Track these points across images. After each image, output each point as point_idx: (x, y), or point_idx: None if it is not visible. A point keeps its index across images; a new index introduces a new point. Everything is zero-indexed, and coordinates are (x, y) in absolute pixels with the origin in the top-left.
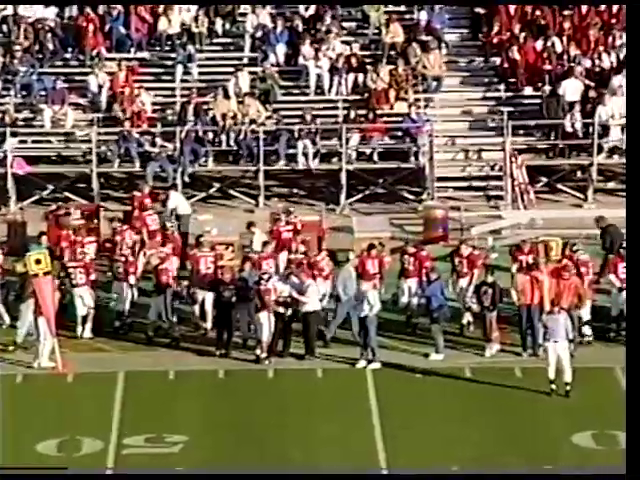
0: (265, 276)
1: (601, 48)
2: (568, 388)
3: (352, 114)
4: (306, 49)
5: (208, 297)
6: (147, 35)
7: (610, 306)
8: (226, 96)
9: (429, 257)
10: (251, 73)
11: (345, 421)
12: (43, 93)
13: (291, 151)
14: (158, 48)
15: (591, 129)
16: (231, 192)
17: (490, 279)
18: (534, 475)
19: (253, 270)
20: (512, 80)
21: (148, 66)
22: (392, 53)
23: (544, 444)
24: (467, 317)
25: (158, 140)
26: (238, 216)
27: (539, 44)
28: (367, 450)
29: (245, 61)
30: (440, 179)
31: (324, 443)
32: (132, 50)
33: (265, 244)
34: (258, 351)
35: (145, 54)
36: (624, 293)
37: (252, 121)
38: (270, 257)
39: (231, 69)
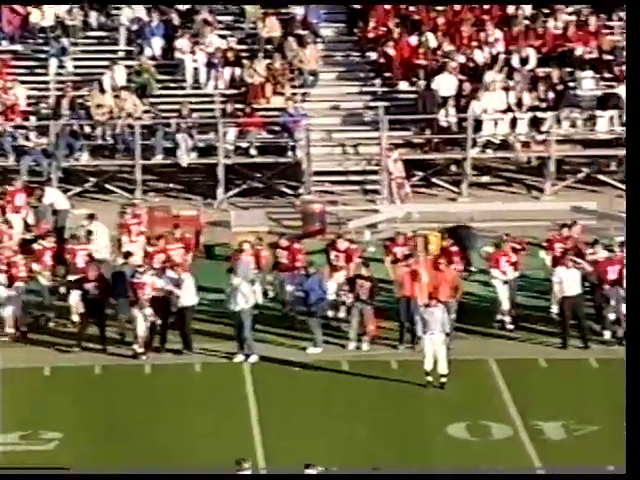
0: (140, 269)
1: (474, 44)
2: (443, 380)
3: (229, 108)
4: (182, 43)
5: (74, 293)
6: (20, 27)
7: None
8: (102, 90)
9: (302, 250)
10: (127, 67)
11: (222, 415)
12: None
13: (168, 145)
14: (31, 41)
15: (465, 123)
16: (107, 186)
17: (366, 272)
18: (534, 475)
19: (130, 264)
20: (388, 75)
21: (21, 59)
22: (268, 47)
23: (419, 436)
24: (343, 311)
25: (32, 134)
26: (115, 210)
27: (413, 39)
28: (244, 443)
29: (121, 55)
30: (317, 173)
31: (199, 436)
32: (4, 43)
33: (159, 238)
34: (135, 346)
35: (18, 47)
36: (507, 285)
37: (128, 115)
38: (160, 252)
39: (106, 62)
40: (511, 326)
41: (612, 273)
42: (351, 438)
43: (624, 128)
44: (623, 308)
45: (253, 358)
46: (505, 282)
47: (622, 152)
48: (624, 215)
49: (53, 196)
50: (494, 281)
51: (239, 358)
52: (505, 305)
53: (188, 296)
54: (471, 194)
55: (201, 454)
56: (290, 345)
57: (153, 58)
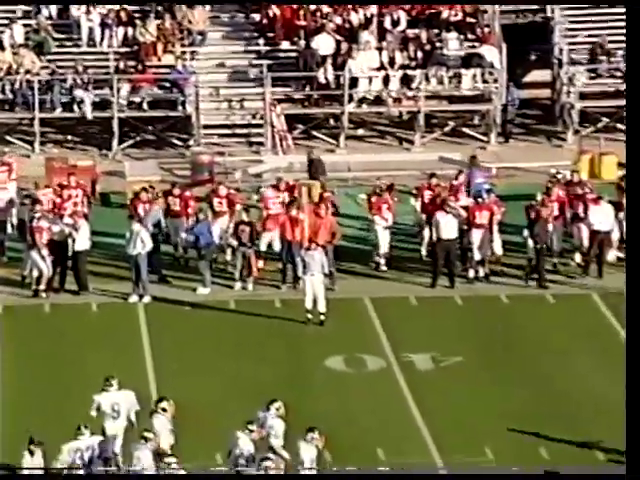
0: (37, 215)
1: (350, 6)
2: (322, 318)
3: (122, 65)
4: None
5: None
6: None
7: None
8: (1, 47)
9: (193, 197)
10: (25, 25)
11: (117, 351)
12: None
13: (65, 100)
14: None
15: (342, 80)
16: (8, 138)
17: (247, 218)
18: (534, 475)
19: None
20: (270, 35)
21: None
22: (159, 9)
23: (301, 369)
24: (229, 253)
25: None
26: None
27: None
28: (138, 378)
29: (19, 14)
30: (206, 126)
31: (96, 372)
32: None
33: (46, 186)
34: (35, 286)
35: None
36: (388, 231)
37: (27, 71)
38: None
39: (5, 21)
40: (385, 267)
41: (480, 218)
42: (240, 374)
43: (486, 85)
44: (488, 250)
45: (147, 298)
46: (386, 227)
47: (484, 107)
48: (489, 165)
49: None
50: (376, 226)
51: (134, 298)
52: (383, 249)
53: (82, 241)
54: (348, 146)
55: (98, 388)
56: (181, 286)
57: (50, 18)
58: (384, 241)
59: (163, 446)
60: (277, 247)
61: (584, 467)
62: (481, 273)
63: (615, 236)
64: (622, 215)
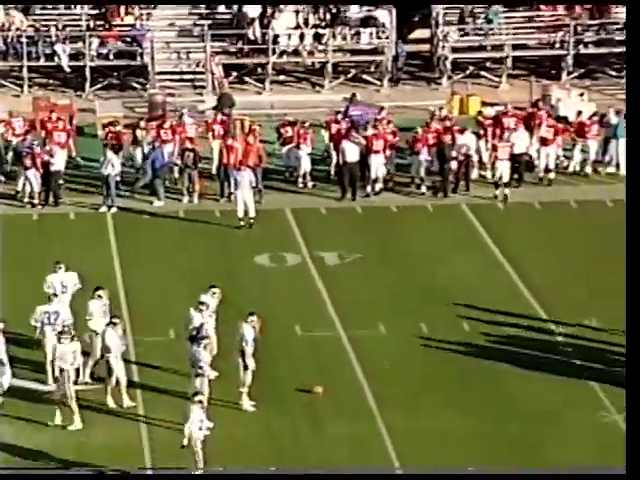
0: (35, 142)
1: None
2: (251, 222)
3: (92, 24)
4: None
5: None
6: None
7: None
8: None
9: (152, 128)
10: None
11: (90, 251)
12: None
13: (48, 51)
14: None
15: (267, 37)
16: (2, 82)
17: (190, 145)
18: (534, 475)
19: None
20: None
21: None
22: None
23: (235, 265)
24: (176, 173)
25: None
26: (8, 100)
27: None
28: (107, 268)
29: None
30: (159, 73)
31: (73, 266)
32: None
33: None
34: (28, 199)
35: None
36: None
37: (17, 28)
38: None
39: None
40: (310, 184)
41: (376, 145)
42: (186, 267)
43: (379, 40)
44: (382, 170)
45: (114, 209)
46: (308, 154)
47: (378, 58)
48: (380, 104)
49: None
50: (300, 152)
51: (103, 209)
52: (306, 169)
53: (58, 164)
54: (272, 89)
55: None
56: (141, 199)
57: None
58: (306, 165)
59: (95, 327)
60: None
61: (584, 467)
62: (377, 188)
63: (475, 158)
64: (481, 142)
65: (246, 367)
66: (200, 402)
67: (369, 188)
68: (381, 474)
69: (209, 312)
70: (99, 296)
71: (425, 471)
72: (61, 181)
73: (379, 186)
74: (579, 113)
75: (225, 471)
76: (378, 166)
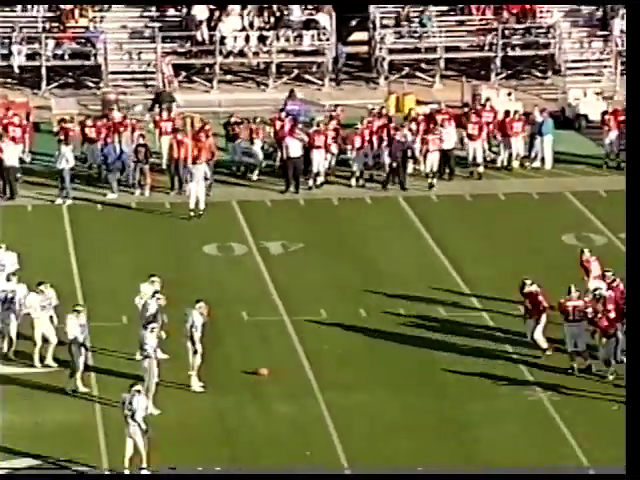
0: None
1: None
2: (201, 213)
3: (48, 26)
4: None
5: None
6: None
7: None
8: None
9: (106, 126)
10: None
11: (47, 240)
12: None
13: (4, 52)
14: None
15: (214, 38)
16: None
17: (142, 141)
18: (534, 475)
19: None
20: (160, 3)
21: None
22: None
23: (185, 253)
24: (131, 168)
25: None
26: None
27: None
28: (62, 256)
29: None
30: (112, 73)
31: (34, 257)
32: None
33: None
34: None
35: None
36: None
37: None
38: None
39: None
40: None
41: (318, 141)
42: (137, 258)
43: (321, 42)
44: (324, 165)
45: (68, 201)
46: (260, 147)
47: (320, 59)
48: (322, 102)
49: None
50: (255, 147)
51: (59, 201)
52: (259, 161)
53: (11, 159)
54: (219, 87)
55: (37, 271)
56: (95, 192)
57: None
58: (260, 158)
59: (35, 315)
60: None
61: (584, 467)
62: (318, 182)
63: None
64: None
65: (195, 351)
66: (138, 391)
67: (311, 182)
68: (382, 474)
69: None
70: (41, 290)
71: (427, 472)
72: (18, 175)
73: (320, 179)
74: (506, 112)
75: (225, 471)
76: (320, 161)
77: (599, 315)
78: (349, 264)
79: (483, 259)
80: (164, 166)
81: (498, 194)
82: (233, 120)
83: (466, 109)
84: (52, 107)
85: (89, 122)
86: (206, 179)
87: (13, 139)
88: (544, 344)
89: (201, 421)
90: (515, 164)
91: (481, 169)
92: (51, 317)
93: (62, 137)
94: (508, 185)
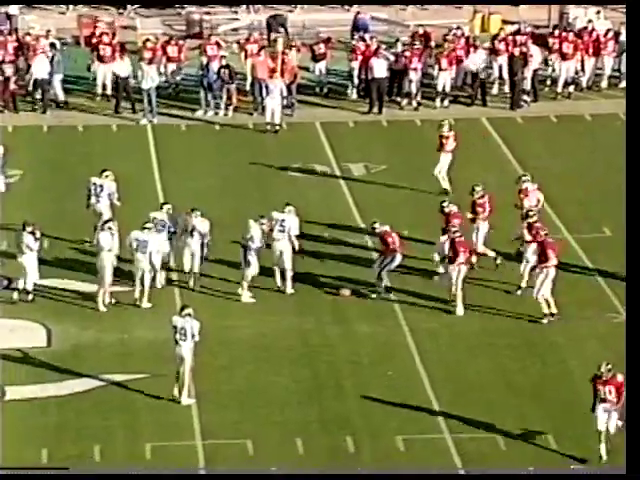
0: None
1: None
2: (277, 128)
3: None
4: None
5: None
6: None
7: None
8: None
9: (186, 47)
10: None
11: (133, 161)
12: None
13: None
14: None
15: None
16: None
17: (225, 62)
18: (535, 475)
19: None
20: None
21: None
22: None
23: (266, 171)
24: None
25: None
26: (54, 17)
27: None
28: (147, 181)
29: None
30: None
31: (123, 176)
32: None
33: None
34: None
35: None
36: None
37: None
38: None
39: None
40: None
41: (413, 63)
42: (221, 173)
43: None
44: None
45: (155, 120)
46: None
47: None
48: (407, 22)
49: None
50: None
51: (144, 121)
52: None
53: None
54: (302, 8)
55: (124, 183)
56: (180, 108)
57: None
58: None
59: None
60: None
61: (584, 467)
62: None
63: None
64: (498, 58)
65: (248, 263)
66: (190, 314)
67: (405, 101)
68: (382, 474)
69: (159, 227)
70: (31, 232)
71: (424, 471)
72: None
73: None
74: (606, 32)
75: (225, 471)
76: (414, 80)
77: None
78: (431, 186)
79: (567, 180)
80: (248, 87)
81: (584, 115)
82: (320, 40)
83: (556, 31)
84: (137, 27)
85: (172, 42)
86: (285, 98)
87: (102, 58)
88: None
89: (281, 337)
90: (604, 84)
91: (571, 88)
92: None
93: (146, 56)
94: (594, 106)
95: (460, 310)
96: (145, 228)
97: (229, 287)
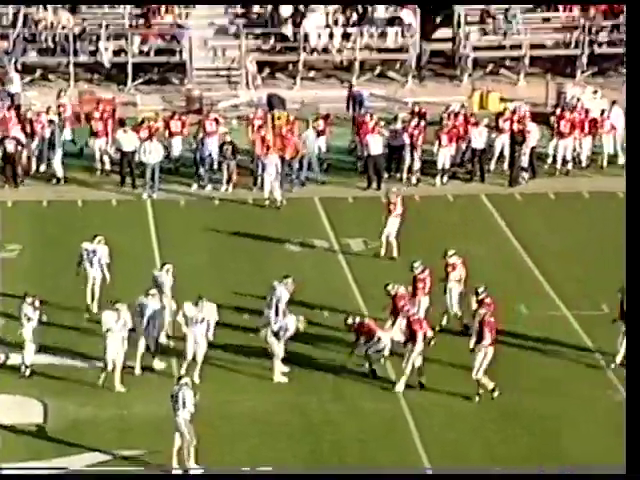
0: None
1: None
2: (278, 204)
3: (134, 23)
4: None
5: None
6: None
7: None
8: (45, 8)
9: (188, 122)
10: None
11: (131, 233)
12: None
13: (92, 48)
14: None
15: (298, 36)
16: (50, 76)
17: (229, 138)
18: (535, 475)
19: None
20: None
21: None
22: None
23: (265, 250)
24: (215, 164)
25: None
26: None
27: None
28: (147, 252)
29: None
30: (197, 69)
31: (121, 247)
32: None
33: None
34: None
35: None
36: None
37: (64, 27)
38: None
39: None
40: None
41: (409, 139)
42: (221, 245)
43: (404, 39)
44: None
45: (155, 195)
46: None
47: (403, 56)
48: (405, 99)
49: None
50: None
51: (144, 196)
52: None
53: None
54: (302, 85)
55: (123, 257)
56: (180, 184)
57: None
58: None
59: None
60: None
61: (584, 467)
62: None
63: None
64: (502, 135)
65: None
66: (186, 384)
67: (405, 177)
68: (382, 474)
69: (165, 290)
70: (32, 302)
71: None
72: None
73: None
74: (587, 111)
75: (225, 471)
76: (414, 157)
77: None
78: (430, 262)
79: (566, 257)
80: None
81: (582, 192)
82: (320, 116)
83: (557, 109)
84: (137, 103)
85: (175, 117)
86: (288, 175)
87: (95, 134)
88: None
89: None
90: (604, 162)
91: (570, 166)
92: (124, 338)
93: (146, 132)
94: (592, 183)
95: (400, 387)
96: (149, 295)
97: (233, 360)
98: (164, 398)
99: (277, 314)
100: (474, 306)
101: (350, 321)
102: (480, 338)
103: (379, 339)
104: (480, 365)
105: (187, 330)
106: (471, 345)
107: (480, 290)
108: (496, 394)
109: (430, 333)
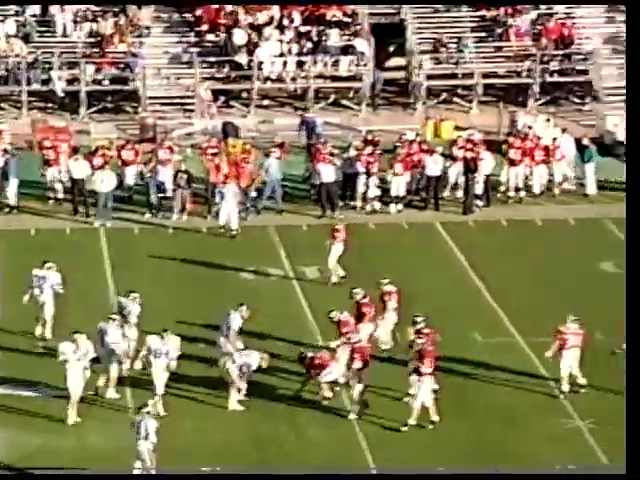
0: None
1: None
2: (234, 233)
3: (88, 52)
4: (55, 6)
5: None
6: None
7: None
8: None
9: (141, 150)
10: (16, 21)
11: (85, 266)
12: None
13: (45, 77)
14: None
15: (252, 64)
16: (2, 105)
17: (184, 167)
18: (536, 475)
19: None
20: (198, 29)
21: None
22: (116, 9)
23: (219, 281)
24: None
25: None
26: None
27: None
28: (100, 284)
29: (11, 12)
30: (150, 98)
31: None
32: None
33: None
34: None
35: None
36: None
37: (17, 55)
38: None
39: (0, 18)
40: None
41: (360, 166)
42: (173, 272)
43: (358, 68)
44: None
45: (109, 224)
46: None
47: (357, 84)
48: (359, 127)
49: None
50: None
51: (97, 224)
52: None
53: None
54: (256, 113)
55: (77, 285)
56: (133, 212)
57: (34, 15)
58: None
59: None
60: None
61: (584, 467)
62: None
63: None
64: (456, 163)
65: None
66: (148, 413)
67: (358, 203)
68: (382, 474)
69: (131, 319)
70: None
71: (425, 471)
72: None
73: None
74: (538, 138)
75: (225, 471)
76: (370, 185)
77: None
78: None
79: (519, 284)
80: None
81: (535, 220)
82: (275, 144)
83: (510, 138)
84: (91, 131)
85: (128, 146)
86: (242, 203)
87: (47, 162)
88: None
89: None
90: (556, 191)
91: (522, 194)
92: (85, 368)
93: (99, 161)
94: (545, 211)
95: (352, 415)
96: (110, 318)
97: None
98: (122, 429)
99: (228, 339)
100: (411, 336)
101: (303, 356)
102: (419, 367)
103: (331, 371)
104: (418, 394)
105: (153, 362)
106: (409, 374)
107: (419, 320)
108: (432, 426)
109: (368, 360)
